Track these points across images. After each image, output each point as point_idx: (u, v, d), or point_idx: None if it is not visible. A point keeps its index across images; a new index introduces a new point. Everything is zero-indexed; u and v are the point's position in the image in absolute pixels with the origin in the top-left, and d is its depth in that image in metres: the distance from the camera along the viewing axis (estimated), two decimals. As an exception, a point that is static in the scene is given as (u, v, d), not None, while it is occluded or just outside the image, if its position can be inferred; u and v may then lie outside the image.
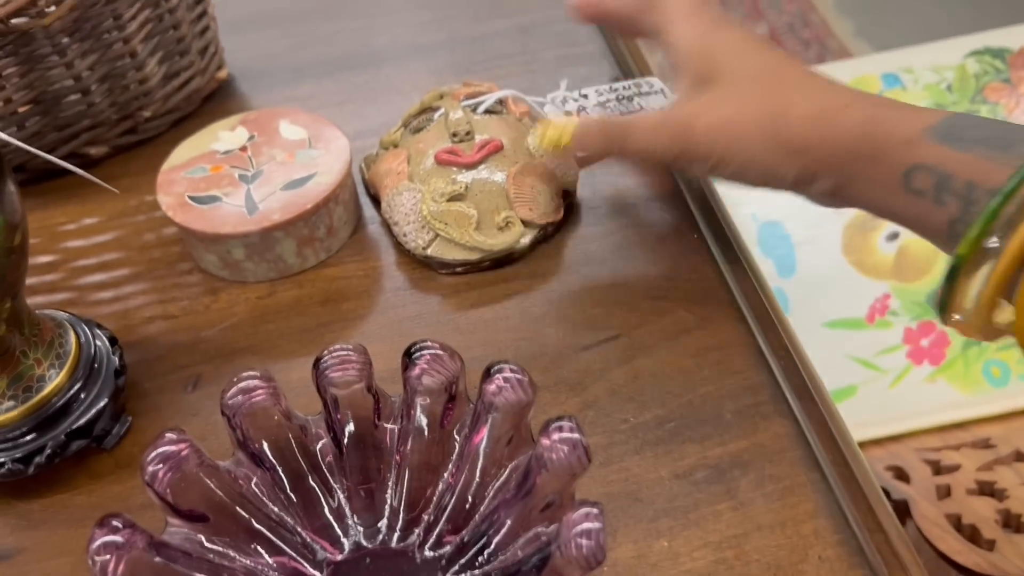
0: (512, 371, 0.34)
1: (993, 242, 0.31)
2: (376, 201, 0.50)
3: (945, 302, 0.33)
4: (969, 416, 0.64)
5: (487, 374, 0.34)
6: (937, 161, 0.33)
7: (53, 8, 0.47)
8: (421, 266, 0.47)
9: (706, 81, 0.40)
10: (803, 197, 0.40)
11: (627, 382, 0.40)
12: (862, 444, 0.64)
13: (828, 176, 0.37)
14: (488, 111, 0.50)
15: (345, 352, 0.36)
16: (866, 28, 1.75)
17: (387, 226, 0.48)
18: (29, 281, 0.49)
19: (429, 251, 0.45)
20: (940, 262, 0.64)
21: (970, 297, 0.32)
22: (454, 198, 0.45)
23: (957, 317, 0.33)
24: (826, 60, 1.70)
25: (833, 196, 0.38)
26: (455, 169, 0.46)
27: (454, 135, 0.47)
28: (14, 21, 0.46)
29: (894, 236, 0.69)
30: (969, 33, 0.75)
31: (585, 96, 0.54)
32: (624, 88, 0.54)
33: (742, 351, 0.41)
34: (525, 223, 0.46)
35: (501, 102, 0.51)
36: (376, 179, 0.49)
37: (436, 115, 0.50)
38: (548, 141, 0.42)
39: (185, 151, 0.48)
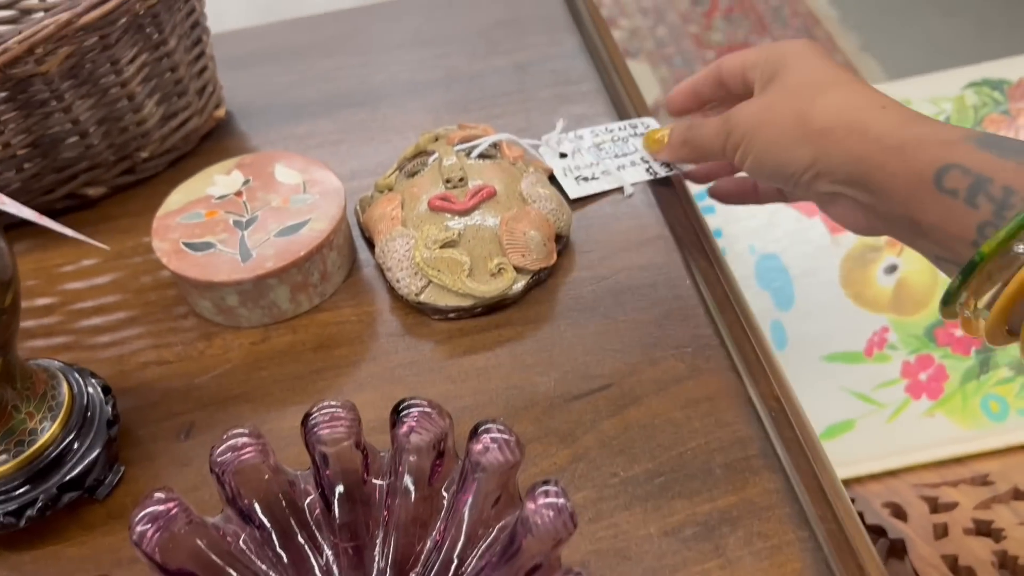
0: (499, 431, 0.34)
1: (1020, 248, 0.31)
2: (371, 243, 0.50)
3: (952, 294, 0.33)
4: (967, 451, 0.64)
5: (474, 433, 0.34)
6: (975, 163, 0.33)
7: (51, 56, 0.47)
8: (414, 311, 0.47)
9: (766, 85, 0.43)
10: (809, 193, 0.41)
11: (617, 434, 0.40)
12: (859, 479, 0.64)
13: (846, 164, 0.37)
14: (482, 155, 0.50)
15: (334, 409, 0.36)
16: (872, 43, 1.75)
17: (381, 270, 0.49)
18: (26, 324, 0.50)
19: (422, 297, 0.45)
20: (939, 295, 0.64)
21: (984, 299, 0.32)
22: (447, 245, 0.46)
23: (967, 314, 0.33)
24: (831, 76, 1.70)
25: (845, 186, 0.38)
26: (448, 215, 0.47)
27: (447, 181, 0.48)
28: (12, 69, 0.46)
29: (892, 269, 0.69)
30: (970, 63, 0.75)
31: (580, 137, 0.54)
32: (620, 129, 0.54)
33: (733, 402, 0.41)
34: (518, 269, 0.46)
35: (495, 146, 0.51)
36: (370, 223, 0.49)
37: (430, 159, 0.50)
38: (652, 143, 0.51)
39: (181, 195, 0.49)
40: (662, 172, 0.51)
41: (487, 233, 0.46)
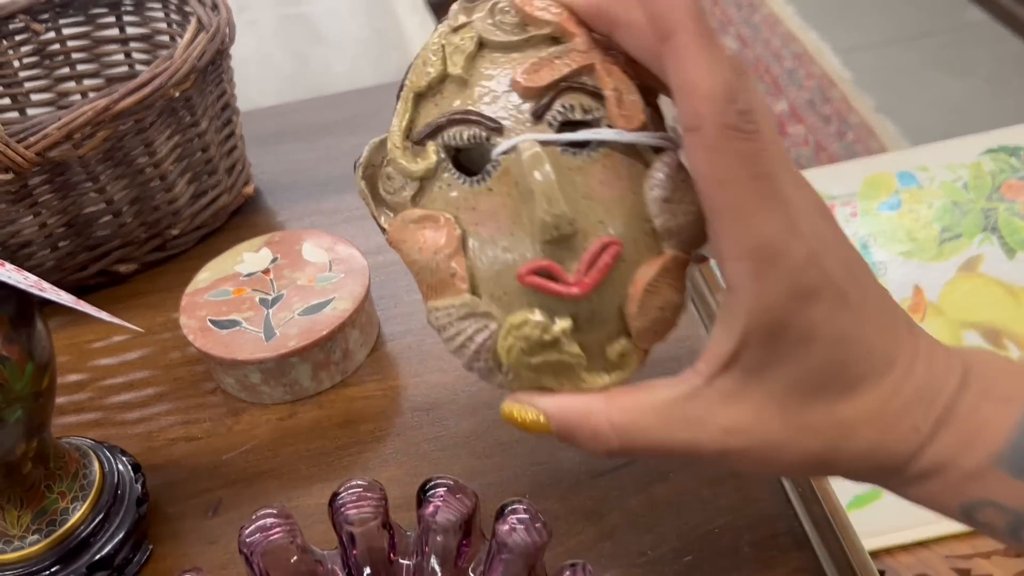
0: (525, 511, 0.34)
1: None
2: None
3: None
4: (1000, 521, 0.63)
5: (500, 513, 0.34)
6: (1011, 500, 0.27)
7: (88, 140, 0.49)
8: (438, 385, 0.47)
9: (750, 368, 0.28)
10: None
11: (644, 511, 0.40)
12: (889, 550, 0.63)
13: (849, 471, 0.29)
14: (580, 144, 0.30)
15: (361, 488, 0.36)
16: (887, 104, 1.76)
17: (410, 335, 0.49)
18: (58, 401, 0.50)
19: (505, 385, 0.31)
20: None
21: None
22: (551, 345, 0.29)
23: None
24: (847, 136, 1.72)
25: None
26: (553, 299, 0.29)
27: (546, 238, 0.28)
28: (51, 153, 0.48)
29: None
30: (985, 123, 0.76)
31: None
32: None
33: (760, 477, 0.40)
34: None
35: (592, 94, 0.30)
36: (404, 249, 0.31)
37: (498, 148, 0.29)
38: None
39: (210, 273, 0.50)
40: None
41: (608, 309, 0.30)
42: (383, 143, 0.32)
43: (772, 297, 0.26)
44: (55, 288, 0.36)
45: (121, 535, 0.40)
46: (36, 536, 0.38)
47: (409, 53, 1.09)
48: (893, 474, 0.28)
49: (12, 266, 0.35)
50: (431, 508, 0.35)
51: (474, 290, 0.30)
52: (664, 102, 0.32)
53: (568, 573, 0.31)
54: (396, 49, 1.12)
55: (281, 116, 0.71)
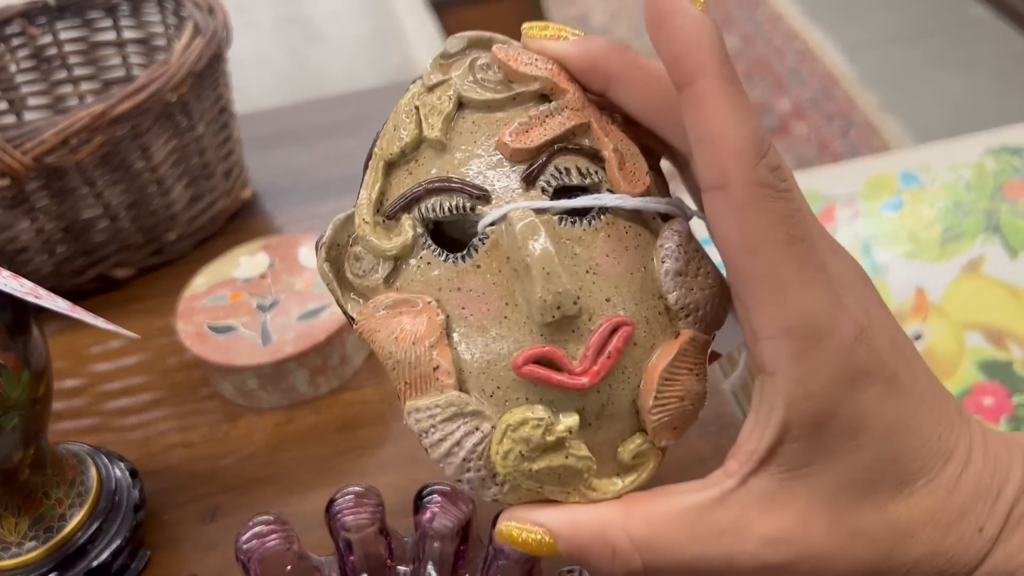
0: (522, 518, 0.34)
1: None
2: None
3: None
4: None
5: (496, 521, 0.34)
6: None
7: (85, 145, 0.49)
8: (437, 390, 0.47)
9: (802, 466, 0.24)
10: None
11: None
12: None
13: None
14: (579, 213, 0.26)
15: (358, 494, 0.36)
16: (891, 102, 1.76)
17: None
18: (55, 406, 0.50)
19: (500, 498, 0.27)
20: (966, 363, 0.64)
21: None
22: (554, 448, 0.25)
23: None
24: (850, 134, 1.71)
25: None
26: (556, 392, 0.25)
27: (552, 314, 0.24)
28: (48, 159, 0.48)
29: (917, 337, 0.68)
30: (989, 121, 0.75)
31: None
32: None
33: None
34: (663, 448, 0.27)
35: (595, 157, 0.27)
36: (374, 340, 0.27)
37: (485, 219, 0.26)
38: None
39: (207, 277, 0.50)
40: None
41: (620, 402, 0.26)
42: (349, 219, 0.28)
43: (817, 382, 0.23)
44: (51, 295, 0.36)
45: (119, 541, 0.40)
46: (34, 543, 0.38)
47: (408, 54, 1.09)
48: None
49: (9, 272, 0.35)
50: (428, 514, 0.35)
51: (461, 385, 0.25)
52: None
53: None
54: (395, 49, 1.12)
55: (279, 119, 0.71)
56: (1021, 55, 1.83)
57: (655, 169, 0.28)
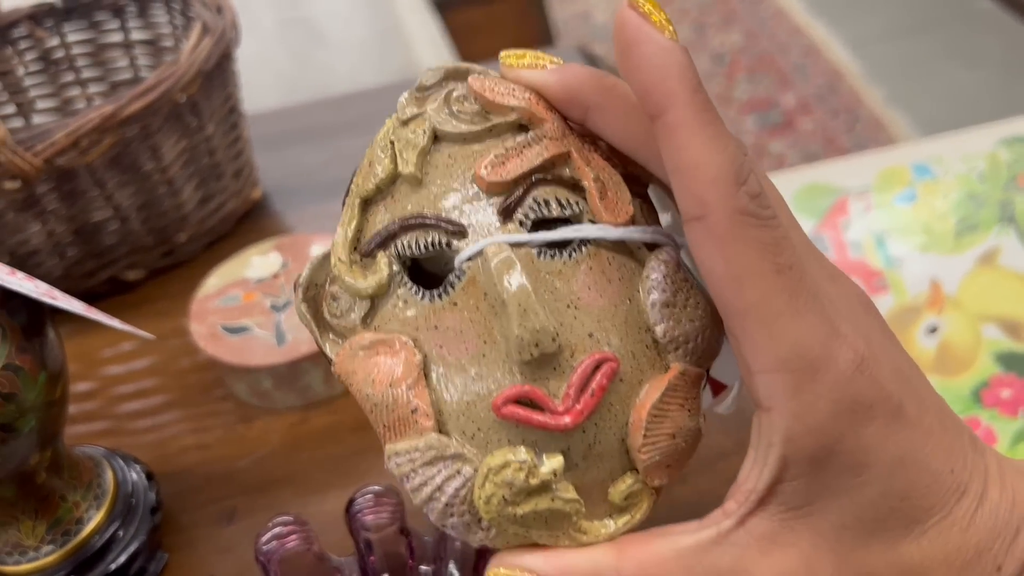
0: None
1: None
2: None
3: None
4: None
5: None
6: None
7: (95, 147, 0.48)
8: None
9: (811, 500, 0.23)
10: None
11: (662, 513, 0.39)
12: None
13: None
14: (559, 245, 0.25)
15: (377, 494, 0.36)
16: (897, 96, 1.75)
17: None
18: (69, 410, 0.50)
19: (488, 543, 0.26)
20: (982, 355, 0.63)
21: None
22: (539, 491, 0.24)
23: None
24: (856, 129, 1.71)
25: None
26: (537, 433, 0.24)
27: (530, 352, 0.24)
28: (58, 160, 0.48)
29: (933, 330, 0.68)
30: (996, 115, 0.75)
31: None
32: None
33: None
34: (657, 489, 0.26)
35: (575, 186, 0.26)
36: (353, 382, 0.26)
37: (462, 255, 0.25)
38: None
39: (219, 278, 0.49)
40: None
41: (607, 441, 0.25)
42: (326, 259, 0.27)
43: (815, 416, 0.22)
44: (67, 296, 0.36)
45: (136, 544, 0.40)
46: (51, 546, 0.38)
47: (411, 53, 1.09)
48: None
49: (23, 274, 0.35)
50: (449, 513, 0.35)
51: (441, 428, 0.24)
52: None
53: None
54: (398, 49, 1.11)
55: (286, 119, 0.71)
56: (1026, 47, 1.83)
57: (642, 197, 0.28)
